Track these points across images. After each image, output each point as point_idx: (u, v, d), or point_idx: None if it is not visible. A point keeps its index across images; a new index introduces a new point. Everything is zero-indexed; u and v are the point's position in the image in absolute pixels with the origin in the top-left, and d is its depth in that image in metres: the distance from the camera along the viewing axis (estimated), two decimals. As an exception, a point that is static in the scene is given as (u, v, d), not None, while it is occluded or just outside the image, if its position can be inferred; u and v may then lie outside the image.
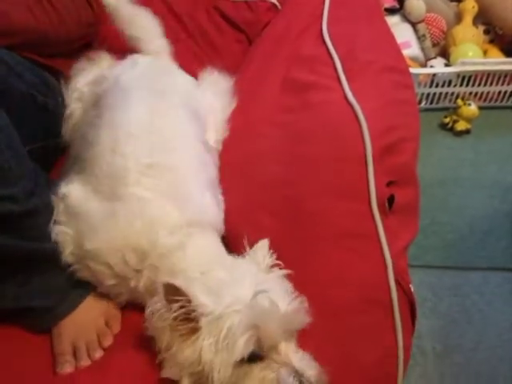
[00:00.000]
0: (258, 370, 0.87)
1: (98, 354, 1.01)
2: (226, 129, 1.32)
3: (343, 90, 1.19)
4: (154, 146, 1.07)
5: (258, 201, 1.11)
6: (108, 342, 1.03)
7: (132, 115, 1.10)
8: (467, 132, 2.23)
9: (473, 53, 2.27)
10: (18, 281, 1.01)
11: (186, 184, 1.06)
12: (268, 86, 1.34)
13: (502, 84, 2.28)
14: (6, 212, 0.98)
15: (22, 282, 1.01)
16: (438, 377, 1.47)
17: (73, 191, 1.06)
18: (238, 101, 1.36)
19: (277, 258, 0.98)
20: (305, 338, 0.95)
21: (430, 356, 1.51)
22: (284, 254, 0.99)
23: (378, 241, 0.99)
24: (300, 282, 0.95)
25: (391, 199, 1.05)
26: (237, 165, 1.19)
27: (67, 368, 0.99)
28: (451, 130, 2.23)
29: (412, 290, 1.03)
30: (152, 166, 1.03)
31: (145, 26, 1.37)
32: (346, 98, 1.16)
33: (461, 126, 2.21)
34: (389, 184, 1.06)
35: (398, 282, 0.99)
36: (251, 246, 0.99)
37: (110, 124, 1.10)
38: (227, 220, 1.10)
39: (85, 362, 1.00)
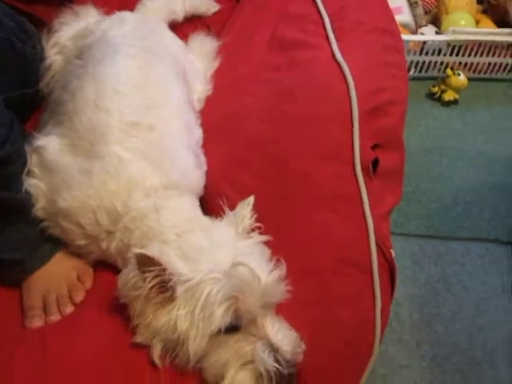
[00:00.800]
0: (233, 342, 0.85)
1: (69, 309, 0.99)
2: (209, 89, 1.28)
3: (331, 48, 1.15)
4: (140, 104, 1.03)
5: (240, 159, 1.08)
6: (80, 297, 1.01)
7: (119, 71, 1.06)
8: (455, 102, 2.20)
9: (465, 22, 2.23)
10: None
11: (168, 146, 1.03)
12: (255, 44, 1.30)
13: (493, 55, 2.24)
14: None
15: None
16: (414, 344, 1.47)
17: (49, 144, 1.02)
18: (224, 58, 1.32)
19: (258, 219, 0.95)
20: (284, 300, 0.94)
21: (408, 323, 1.51)
22: (265, 214, 0.97)
23: (361, 203, 0.97)
24: (281, 242, 0.94)
25: (375, 162, 1.03)
26: (219, 122, 1.16)
27: (36, 322, 0.96)
28: (439, 99, 2.21)
29: (393, 255, 1.02)
30: (136, 125, 1.00)
31: None
32: (333, 57, 1.13)
33: (449, 95, 2.19)
34: (374, 147, 1.04)
35: (378, 246, 0.97)
36: (231, 206, 0.96)
37: (95, 77, 1.06)
38: (207, 179, 1.07)
39: (55, 317, 0.98)
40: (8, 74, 1.16)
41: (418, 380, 1.40)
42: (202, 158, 1.11)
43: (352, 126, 1.01)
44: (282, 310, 0.93)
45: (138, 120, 1.00)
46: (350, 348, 0.95)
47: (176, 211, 0.96)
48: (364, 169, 0.99)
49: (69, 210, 0.96)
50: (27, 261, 1.01)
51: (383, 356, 1.40)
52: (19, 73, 1.21)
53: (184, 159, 1.04)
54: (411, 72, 2.26)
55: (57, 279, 1.02)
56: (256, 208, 0.96)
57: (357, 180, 0.99)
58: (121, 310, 0.91)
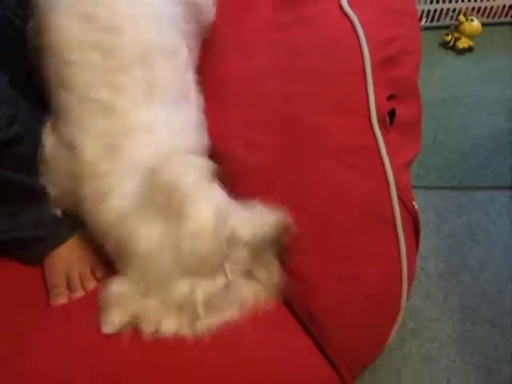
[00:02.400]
0: None
1: (92, 285, 0.99)
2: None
3: (339, 1, 1.12)
4: None
5: (252, 117, 1.06)
6: (101, 272, 1.01)
7: None
8: (470, 50, 2.14)
9: (476, -35, 2.17)
10: (5, 211, 0.98)
11: None
12: (259, 3, 1.27)
13: (506, -2, 2.18)
14: None
15: (10, 212, 0.98)
16: (442, 297, 1.45)
17: None
18: (229, 21, 1.29)
19: (273, 176, 0.95)
20: (307, 257, 0.94)
21: (434, 277, 1.49)
22: (281, 172, 0.96)
23: (379, 156, 0.95)
24: (299, 200, 0.93)
25: (392, 113, 1.00)
26: (229, 83, 1.13)
27: (61, 299, 0.97)
28: (453, 48, 2.15)
29: (416, 207, 1.00)
30: None
31: None
32: (341, 8, 1.09)
33: (463, 43, 2.13)
34: (389, 98, 1.01)
35: (400, 198, 0.95)
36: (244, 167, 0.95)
37: None
38: (217, 139, 1.05)
39: (79, 293, 0.98)
40: (10, 53, 1.15)
41: (448, 332, 1.39)
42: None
43: (365, 77, 0.98)
44: (309, 265, 0.94)
45: None
46: (378, 303, 0.94)
47: None
48: (380, 120, 0.96)
49: None
50: (48, 238, 1.01)
51: (412, 310, 1.39)
52: (22, 51, 1.20)
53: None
54: (423, 22, 2.20)
55: (78, 255, 1.02)
56: (271, 166, 0.94)
57: (373, 132, 0.96)
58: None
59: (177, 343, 0.88)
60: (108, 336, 0.87)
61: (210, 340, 0.88)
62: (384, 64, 1.02)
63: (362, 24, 1.04)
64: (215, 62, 1.23)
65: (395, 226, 0.94)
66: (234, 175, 0.97)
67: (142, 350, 0.87)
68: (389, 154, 0.95)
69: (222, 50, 1.24)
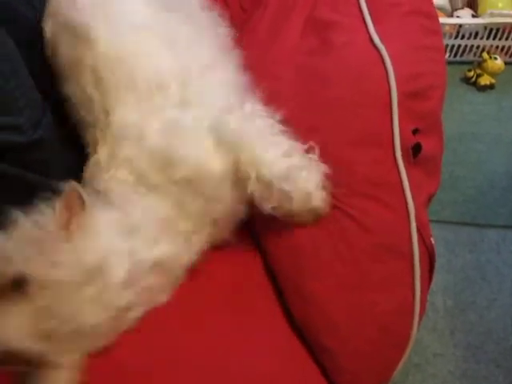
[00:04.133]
0: None
1: None
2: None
3: (368, 31, 1.12)
4: None
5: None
6: None
7: None
8: (491, 87, 2.15)
9: (502, 4, 2.18)
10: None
11: None
12: (290, 25, 1.28)
13: (531, 39, 2.19)
14: (11, 142, 0.95)
15: None
16: (448, 333, 1.45)
17: None
18: (257, 40, 1.30)
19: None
20: (321, 284, 0.95)
21: (442, 312, 1.49)
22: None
23: (402, 190, 0.96)
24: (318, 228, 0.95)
25: (417, 148, 1.01)
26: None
27: None
28: (474, 84, 2.16)
29: (433, 243, 1.00)
30: None
31: None
32: (371, 40, 1.10)
33: (485, 80, 2.14)
34: (414, 132, 1.01)
35: (419, 234, 0.95)
36: None
37: None
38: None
39: None
40: (39, 61, 1.16)
41: (451, 369, 1.38)
42: None
43: (391, 110, 0.99)
44: (320, 293, 0.94)
45: None
46: (388, 335, 0.95)
47: None
48: (404, 154, 0.97)
49: None
50: None
51: (417, 344, 1.37)
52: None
53: None
54: (446, 56, 2.21)
55: None
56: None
57: (397, 165, 0.97)
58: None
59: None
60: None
61: (220, 368, 0.89)
62: (410, 97, 1.03)
63: (390, 56, 1.05)
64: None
65: (412, 261, 0.94)
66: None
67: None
68: (411, 188, 0.96)
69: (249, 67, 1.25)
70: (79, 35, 1.05)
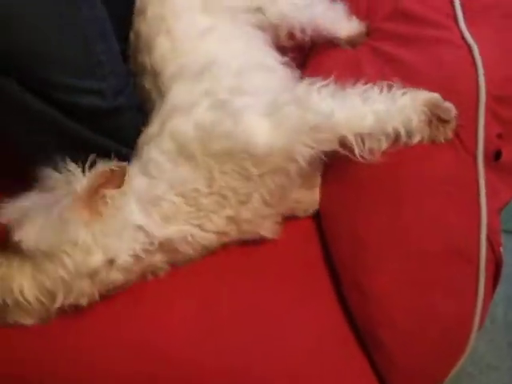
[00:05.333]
0: None
1: None
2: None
3: (460, 30, 1.09)
4: None
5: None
6: None
7: None
8: None
9: None
10: None
11: None
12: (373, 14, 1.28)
13: None
14: (92, 106, 0.98)
15: None
16: (506, 345, 1.41)
17: None
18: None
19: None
20: (383, 277, 0.95)
21: (501, 324, 1.45)
22: (378, 191, 0.97)
23: (477, 194, 0.93)
24: (389, 220, 0.95)
25: (497, 154, 0.98)
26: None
27: None
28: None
29: (501, 251, 0.98)
30: None
31: None
32: (463, 38, 1.07)
33: None
34: (498, 137, 0.98)
35: (489, 240, 0.93)
36: None
37: None
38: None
39: None
40: (126, 26, 1.18)
41: (506, 382, 1.35)
42: None
43: (477, 110, 0.96)
44: (381, 286, 0.94)
45: None
46: (445, 339, 0.94)
47: None
48: (486, 157, 0.94)
49: None
50: None
51: (472, 354, 1.34)
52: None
53: None
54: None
55: None
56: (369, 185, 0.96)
57: (477, 168, 0.94)
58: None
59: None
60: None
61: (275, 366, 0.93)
62: (498, 101, 0.99)
63: (483, 57, 1.02)
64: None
65: (478, 267, 0.92)
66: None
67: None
68: (487, 194, 0.93)
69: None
70: None
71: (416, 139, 0.94)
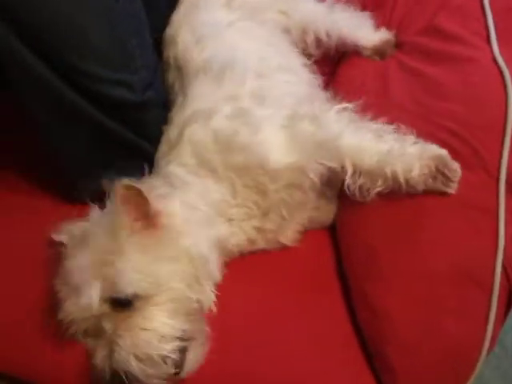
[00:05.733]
0: None
1: None
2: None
3: (492, 51, 1.08)
4: None
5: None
6: None
7: None
8: None
9: None
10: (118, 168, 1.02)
11: None
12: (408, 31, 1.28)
13: None
14: (121, 98, 0.98)
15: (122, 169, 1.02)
16: (512, 373, 1.39)
17: None
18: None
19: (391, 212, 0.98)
20: (392, 294, 0.94)
21: (509, 351, 1.43)
22: (401, 211, 0.97)
23: (496, 220, 0.92)
24: (407, 239, 0.95)
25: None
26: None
27: None
28: None
29: (516, 278, 0.96)
30: None
31: None
32: (494, 60, 1.06)
33: None
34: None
35: (504, 267, 0.91)
36: None
37: None
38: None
39: None
40: (159, 15, 1.18)
41: (509, 410, 1.33)
42: None
43: (503, 136, 0.94)
44: (392, 304, 0.94)
45: None
46: (452, 363, 0.92)
47: None
48: (508, 183, 0.93)
49: None
50: None
51: (478, 378, 1.34)
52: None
53: None
54: None
55: None
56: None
57: (498, 193, 0.93)
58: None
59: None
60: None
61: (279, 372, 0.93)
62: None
63: (513, 81, 1.00)
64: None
65: (491, 293, 0.91)
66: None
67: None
68: (506, 220, 0.91)
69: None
70: None
71: (419, 188, 0.94)
